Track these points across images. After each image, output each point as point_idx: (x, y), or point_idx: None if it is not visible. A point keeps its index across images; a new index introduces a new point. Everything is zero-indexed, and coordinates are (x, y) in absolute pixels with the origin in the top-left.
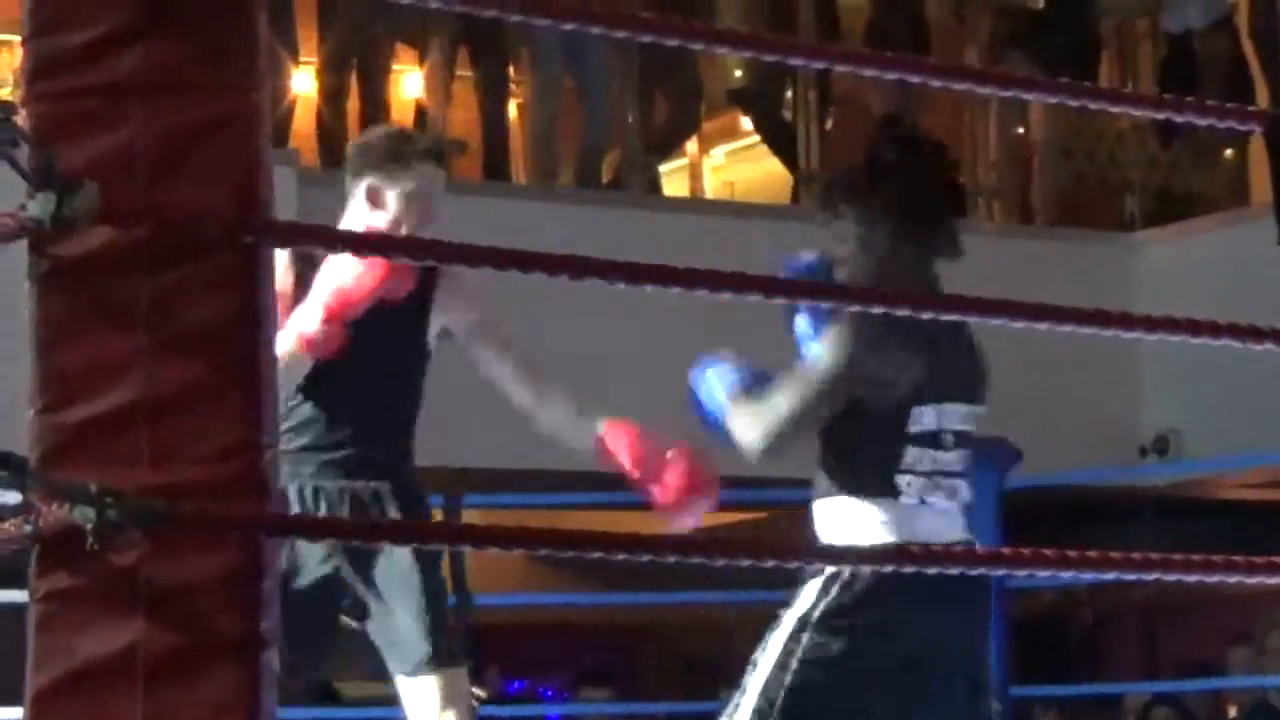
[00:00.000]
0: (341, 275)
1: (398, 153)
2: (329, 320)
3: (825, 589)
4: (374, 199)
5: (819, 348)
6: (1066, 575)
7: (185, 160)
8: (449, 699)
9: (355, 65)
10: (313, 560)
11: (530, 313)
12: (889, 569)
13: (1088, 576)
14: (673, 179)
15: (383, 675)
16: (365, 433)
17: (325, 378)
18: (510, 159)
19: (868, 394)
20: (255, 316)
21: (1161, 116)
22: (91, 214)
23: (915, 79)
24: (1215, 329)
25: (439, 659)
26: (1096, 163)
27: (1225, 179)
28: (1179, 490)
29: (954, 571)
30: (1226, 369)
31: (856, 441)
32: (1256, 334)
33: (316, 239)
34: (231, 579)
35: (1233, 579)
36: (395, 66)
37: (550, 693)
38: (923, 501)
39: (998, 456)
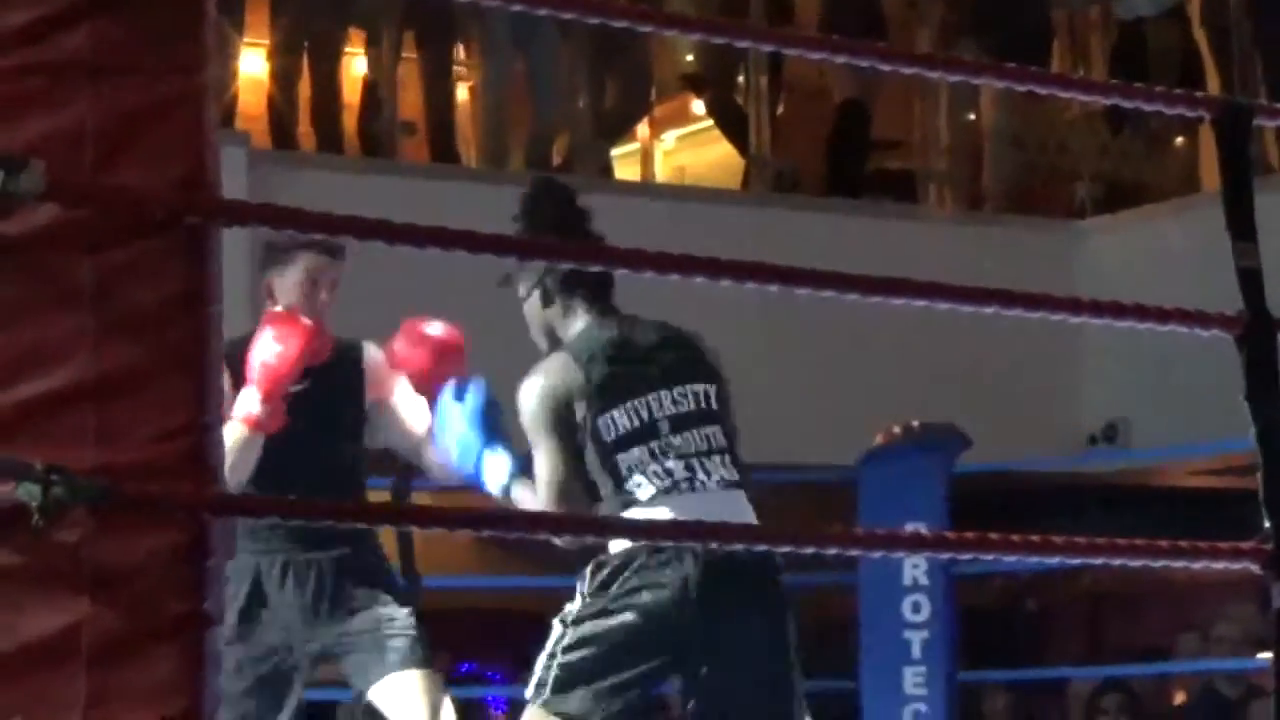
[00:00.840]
0: (264, 353)
1: (281, 247)
2: (267, 398)
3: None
4: (268, 292)
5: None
6: (1013, 560)
7: (132, 140)
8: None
9: (306, 48)
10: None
11: (475, 295)
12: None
13: (1034, 561)
14: (624, 163)
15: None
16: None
17: (273, 452)
18: (459, 142)
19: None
20: (201, 297)
21: (1112, 103)
22: (37, 193)
23: (865, 63)
24: (1161, 314)
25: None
26: (1047, 151)
27: (1175, 167)
28: (1127, 478)
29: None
30: (1175, 357)
31: (588, 474)
32: (1202, 319)
33: (263, 218)
34: (175, 559)
35: (1177, 563)
36: (346, 50)
37: (498, 675)
38: (665, 492)
39: (946, 441)
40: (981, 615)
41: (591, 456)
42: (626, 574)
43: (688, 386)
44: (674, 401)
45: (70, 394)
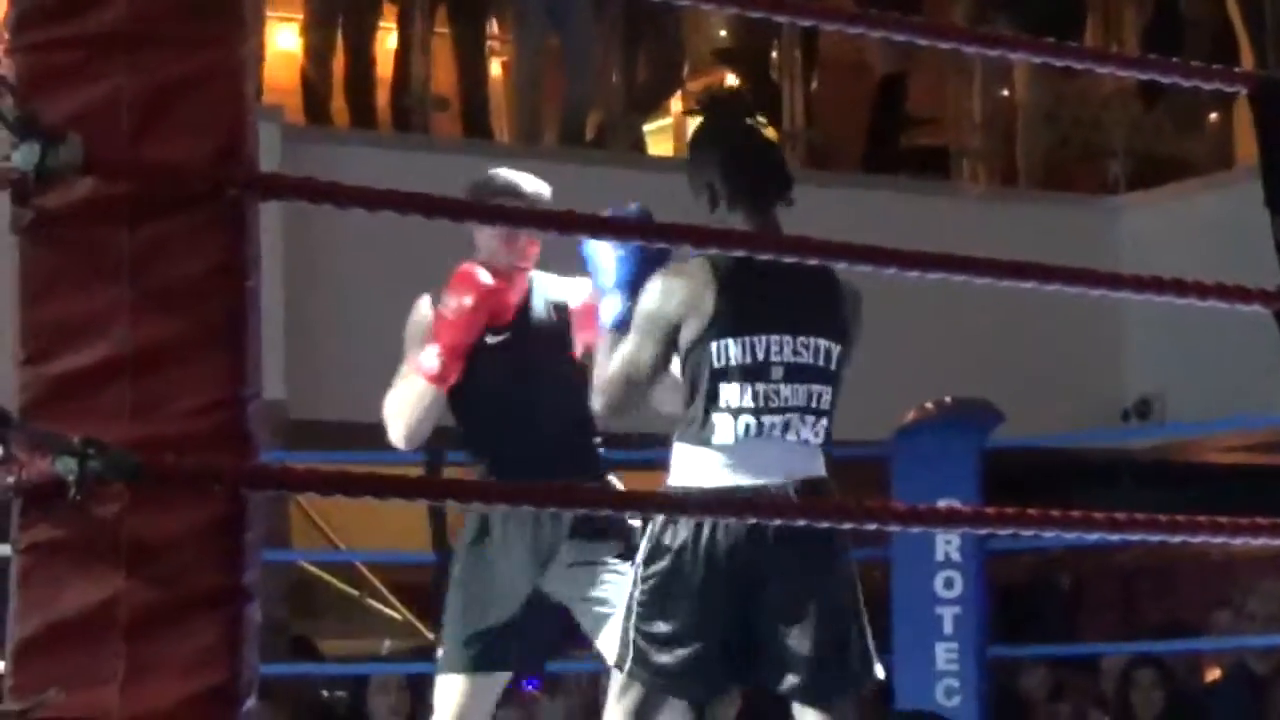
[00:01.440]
0: (445, 308)
1: (478, 195)
2: (444, 353)
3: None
4: (470, 242)
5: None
6: (1049, 536)
7: (169, 113)
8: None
9: (340, 23)
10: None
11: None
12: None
13: (1070, 537)
14: (656, 138)
15: (358, 634)
16: (539, 453)
17: (482, 405)
18: (493, 117)
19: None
20: (239, 270)
21: (1147, 78)
22: (75, 166)
23: (900, 38)
24: (1201, 289)
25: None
26: (1081, 126)
27: (1210, 142)
28: (1161, 454)
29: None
30: (1210, 332)
31: (683, 388)
32: (1242, 294)
33: (301, 192)
34: (213, 532)
35: (1215, 540)
36: (380, 24)
37: None
38: (748, 438)
39: (979, 417)
40: (1014, 591)
41: (691, 374)
42: (684, 524)
43: (814, 339)
44: (794, 351)
45: (107, 367)
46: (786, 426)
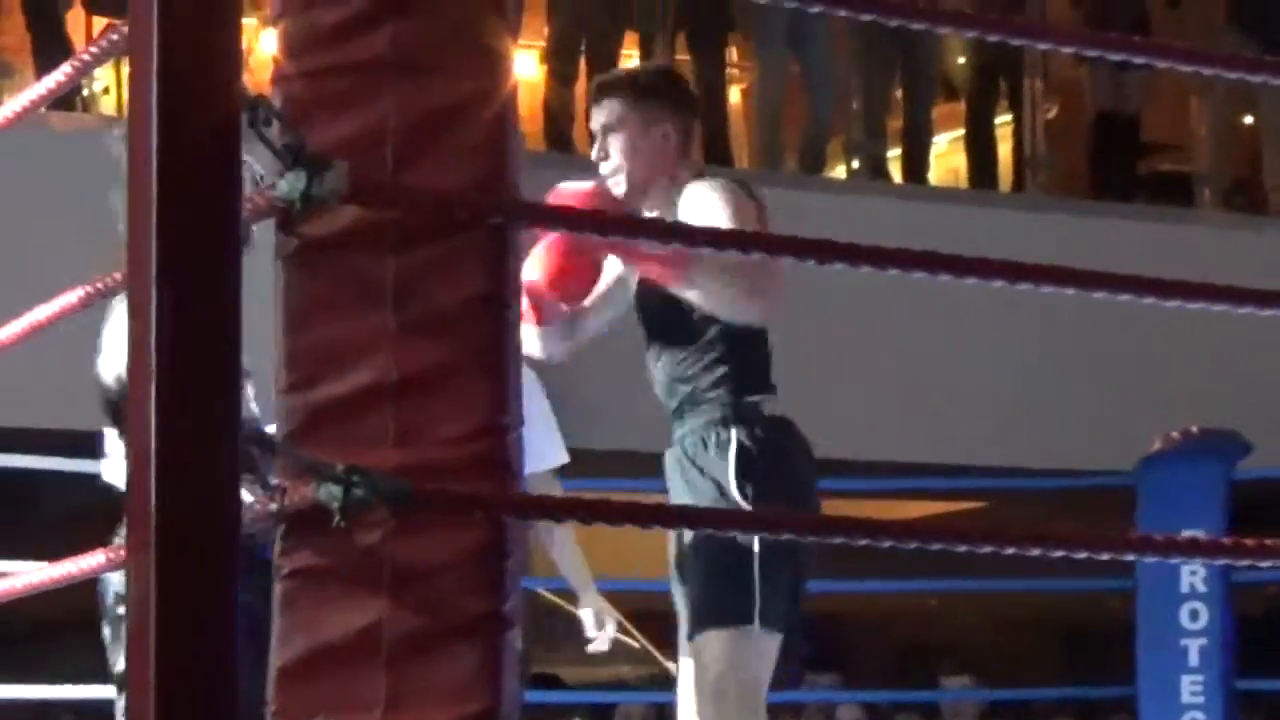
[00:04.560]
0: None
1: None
2: (527, 315)
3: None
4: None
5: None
6: None
7: (433, 141)
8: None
9: (583, 50)
10: None
11: None
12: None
13: None
14: (896, 165)
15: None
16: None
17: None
18: (733, 143)
19: None
20: (501, 298)
21: None
22: (340, 193)
23: (1139, 60)
24: None
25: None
26: None
27: None
28: None
29: None
30: None
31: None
32: None
33: (565, 221)
34: (475, 559)
35: None
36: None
37: None
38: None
39: (1226, 447)
40: (1251, 623)
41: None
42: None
43: None
44: None
45: (370, 394)
46: None
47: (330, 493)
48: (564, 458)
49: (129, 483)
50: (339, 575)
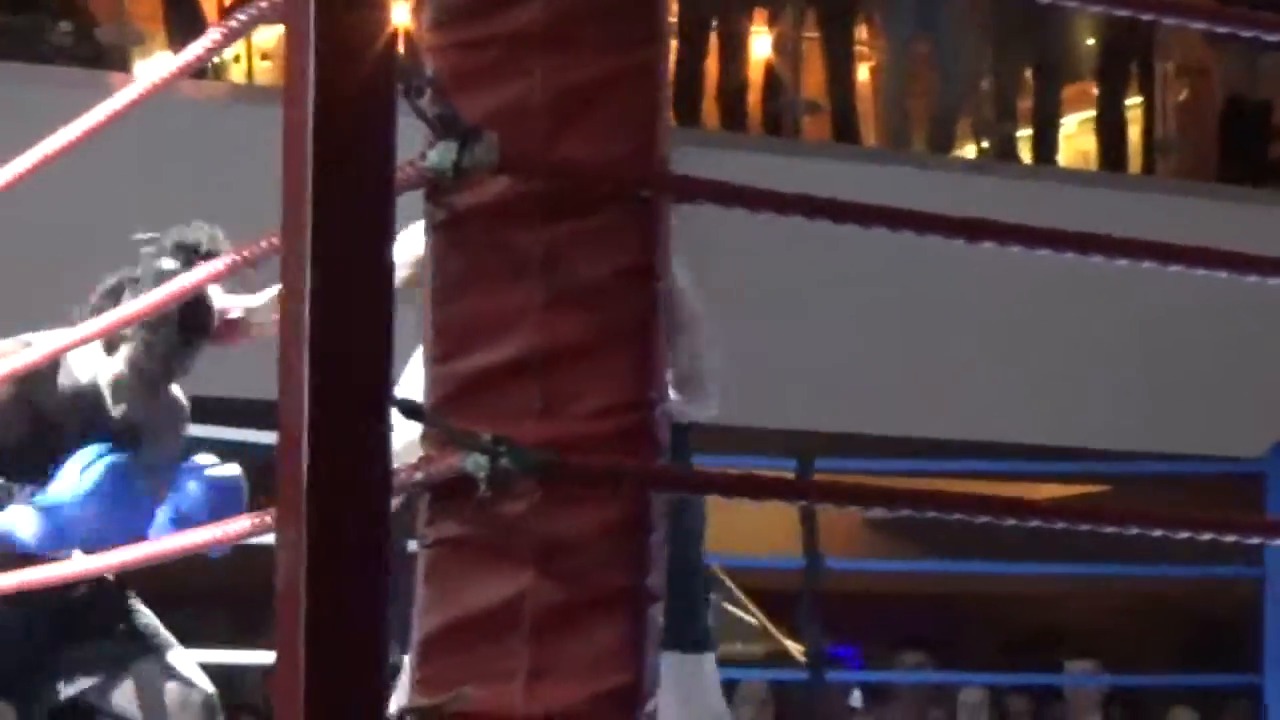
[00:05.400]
0: None
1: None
2: None
3: None
4: None
5: None
6: None
7: (584, 113)
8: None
9: (715, 26)
10: None
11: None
12: None
13: None
14: (1025, 146)
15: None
16: None
17: None
18: (861, 122)
19: None
20: (650, 271)
21: None
22: (490, 164)
23: (1270, 38)
24: None
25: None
26: None
27: None
28: None
29: None
30: None
31: None
32: None
33: (714, 195)
34: (619, 533)
35: None
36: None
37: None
38: None
39: None
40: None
41: None
42: None
43: None
44: None
45: (517, 366)
46: None
47: (477, 463)
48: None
49: (279, 450)
50: (483, 546)
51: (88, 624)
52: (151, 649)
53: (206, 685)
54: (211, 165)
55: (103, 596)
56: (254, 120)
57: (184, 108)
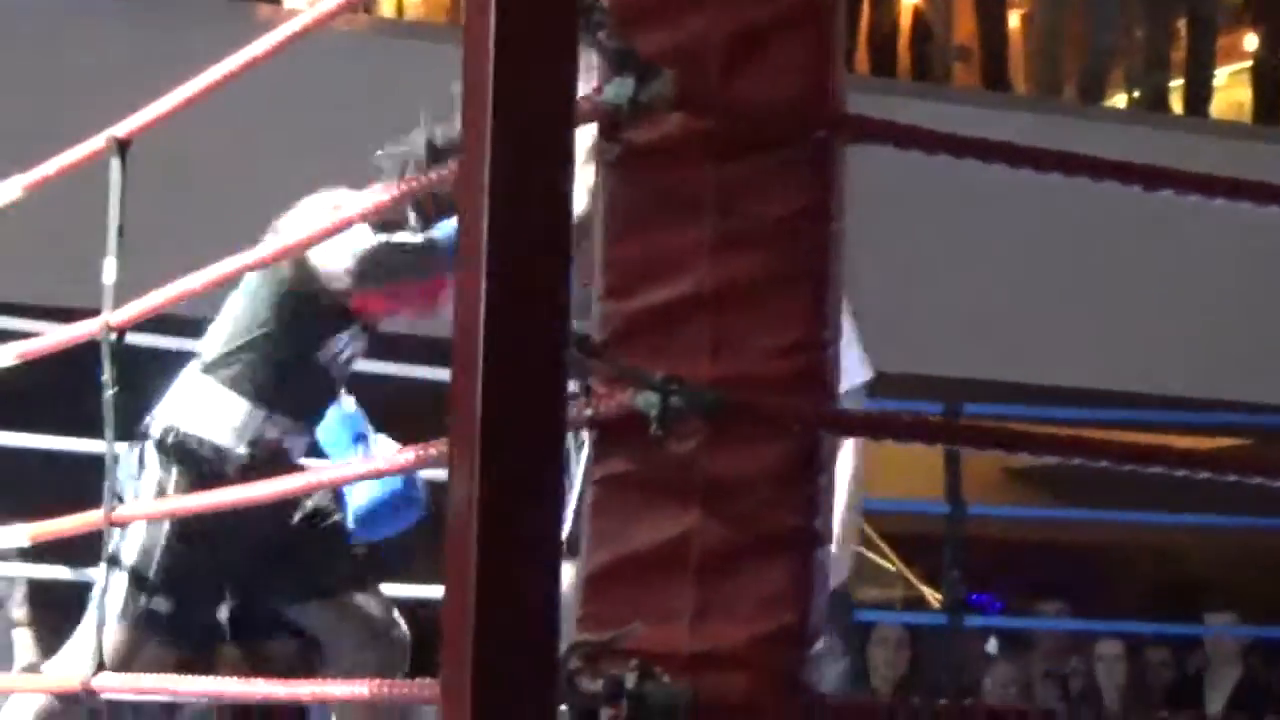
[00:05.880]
0: None
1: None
2: None
3: None
4: None
5: None
6: None
7: (760, 52)
8: None
9: None
10: None
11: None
12: None
13: None
14: (1176, 97)
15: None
16: None
17: None
18: (1011, 69)
19: None
20: (824, 212)
21: None
22: (666, 101)
23: None
24: None
25: None
26: None
27: None
28: None
29: None
30: None
31: None
32: None
33: (891, 136)
34: (788, 474)
35: None
36: None
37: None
38: None
39: None
40: None
41: None
42: None
43: None
44: None
45: (688, 304)
46: None
47: (648, 401)
48: (869, 374)
49: (453, 380)
50: (651, 484)
51: (310, 547)
52: (361, 581)
53: (403, 624)
54: (359, 101)
55: (325, 525)
56: (402, 55)
57: (333, 41)
